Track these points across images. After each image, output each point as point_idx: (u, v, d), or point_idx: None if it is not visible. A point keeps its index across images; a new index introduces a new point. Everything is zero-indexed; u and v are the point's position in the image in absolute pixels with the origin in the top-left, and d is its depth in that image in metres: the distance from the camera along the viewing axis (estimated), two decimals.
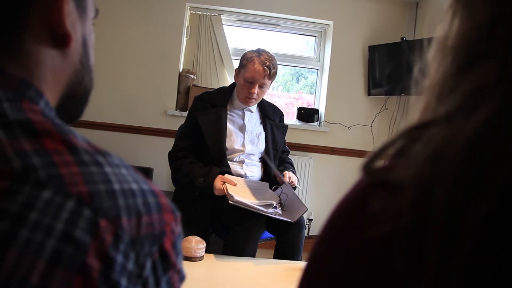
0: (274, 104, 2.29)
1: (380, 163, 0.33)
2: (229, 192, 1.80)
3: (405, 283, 0.28)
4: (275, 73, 2.03)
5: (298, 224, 1.93)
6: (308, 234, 3.37)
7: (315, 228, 3.41)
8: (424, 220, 0.27)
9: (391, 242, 0.29)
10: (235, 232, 1.86)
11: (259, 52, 2.01)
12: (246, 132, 2.08)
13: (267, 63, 1.97)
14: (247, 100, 2.03)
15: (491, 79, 0.29)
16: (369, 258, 0.30)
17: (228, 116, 2.07)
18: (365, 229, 0.30)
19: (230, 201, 1.76)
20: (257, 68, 1.96)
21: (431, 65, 0.36)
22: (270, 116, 2.16)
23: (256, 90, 1.99)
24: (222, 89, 2.20)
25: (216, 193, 1.87)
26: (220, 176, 1.90)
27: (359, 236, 0.31)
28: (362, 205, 0.32)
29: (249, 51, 2.05)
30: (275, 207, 1.87)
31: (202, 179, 1.89)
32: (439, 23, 0.36)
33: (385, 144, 0.33)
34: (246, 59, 2.01)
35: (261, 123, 2.15)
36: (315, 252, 0.35)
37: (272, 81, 2.05)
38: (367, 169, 0.33)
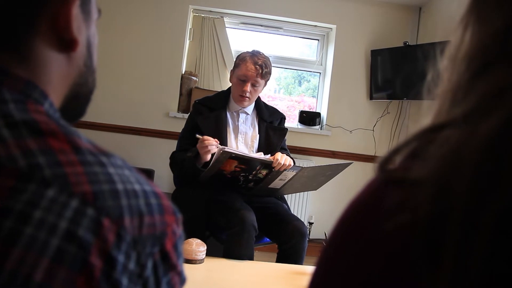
0: (276, 107, 2.30)
1: (394, 163, 0.34)
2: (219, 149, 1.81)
3: (422, 277, 0.28)
4: (268, 73, 2.06)
5: (301, 233, 1.94)
6: (308, 237, 3.36)
7: (315, 232, 3.40)
8: (443, 214, 0.28)
9: (408, 236, 0.29)
10: (229, 237, 1.87)
11: (253, 53, 2.06)
12: (239, 134, 2.11)
13: (260, 62, 2.01)
14: (240, 99, 2.06)
15: (507, 81, 0.29)
16: (386, 251, 0.30)
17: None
18: (382, 223, 0.30)
19: (222, 150, 1.77)
20: (250, 66, 2.01)
21: (444, 75, 0.36)
22: (266, 118, 2.17)
23: (248, 88, 2.02)
24: (221, 93, 2.24)
25: (204, 151, 1.86)
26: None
27: (375, 230, 0.31)
28: (378, 201, 0.32)
29: (244, 52, 2.10)
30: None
31: (191, 154, 1.94)
32: (451, 34, 0.37)
33: (400, 144, 0.34)
34: (239, 59, 2.06)
35: (256, 125, 2.16)
36: (329, 247, 0.35)
37: (265, 81, 2.09)
38: (382, 168, 0.33)
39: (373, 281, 0.31)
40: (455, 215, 0.27)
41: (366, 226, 0.33)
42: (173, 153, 2.10)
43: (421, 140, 0.33)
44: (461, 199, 0.27)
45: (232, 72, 2.11)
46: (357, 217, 0.34)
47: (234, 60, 2.12)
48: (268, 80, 2.10)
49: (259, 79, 2.03)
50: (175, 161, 2.05)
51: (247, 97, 2.05)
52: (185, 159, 1.95)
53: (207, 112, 2.09)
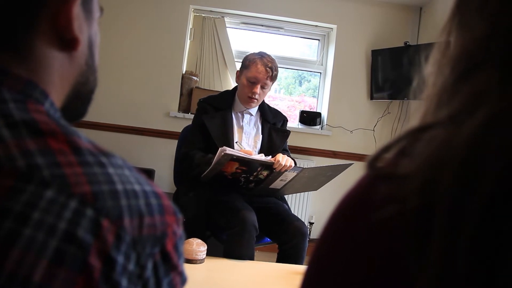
0: (278, 109, 2.31)
1: (382, 161, 0.35)
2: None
3: (411, 265, 0.29)
4: (276, 75, 2.08)
5: (301, 233, 1.94)
6: (309, 237, 3.36)
7: (316, 232, 3.40)
8: (429, 207, 0.29)
9: (398, 225, 0.30)
10: (229, 237, 1.87)
11: (261, 55, 2.07)
12: (243, 134, 2.11)
13: (269, 65, 2.03)
14: (249, 100, 2.06)
15: (490, 83, 0.31)
16: (376, 241, 0.31)
17: None
18: (372, 213, 0.31)
19: (223, 153, 1.77)
20: (260, 68, 2.01)
21: (429, 80, 0.38)
22: (269, 120, 2.17)
23: (258, 90, 2.03)
24: (226, 92, 2.24)
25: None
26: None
27: (366, 221, 0.32)
28: (368, 194, 0.34)
29: (251, 53, 2.11)
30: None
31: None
32: (436, 40, 0.39)
33: (389, 143, 0.35)
34: (248, 61, 2.06)
35: (259, 126, 2.17)
36: (320, 244, 0.36)
37: (273, 83, 2.10)
38: (372, 165, 0.35)
39: (365, 277, 0.31)
40: (441, 208, 0.29)
41: (355, 221, 0.34)
42: (188, 152, 2.03)
43: (409, 139, 0.34)
44: (446, 192, 0.29)
45: (240, 73, 2.10)
46: (346, 212, 0.35)
47: (242, 61, 2.12)
48: (275, 81, 2.12)
49: (268, 81, 2.04)
50: (194, 162, 1.97)
51: (255, 99, 2.05)
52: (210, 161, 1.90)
53: (213, 111, 2.09)
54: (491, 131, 0.29)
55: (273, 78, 2.05)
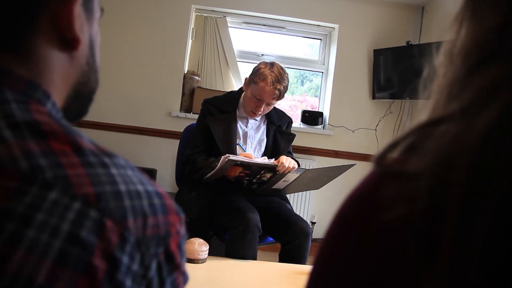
0: (283, 110, 2.27)
1: (391, 157, 0.34)
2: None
3: (420, 269, 0.29)
4: (285, 92, 2.01)
5: (305, 233, 1.93)
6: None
7: (318, 231, 3.40)
8: (440, 205, 0.28)
9: (406, 228, 0.29)
10: (231, 237, 1.87)
11: (272, 70, 1.95)
12: (248, 138, 2.10)
13: (278, 86, 1.93)
14: (252, 114, 2.04)
15: (503, 76, 0.30)
16: (383, 245, 0.31)
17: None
18: (381, 213, 0.31)
19: (227, 159, 1.77)
20: (268, 89, 1.92)
21: (439, 71, 0.37)
22: (275, 122, 2.15)
23: (262, 108, 1.99)
24: (232, 94, 2.18)
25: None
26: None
27: (374, 220, 0.31)
28: (375, 193, 0.33)
29: (262, 64, 2.00)
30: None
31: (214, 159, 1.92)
32: (447, 30, 0.37)
33: (397, 139, 0.34)
34: (258, 76, 1.95)
35: (264, 129, 2.15)
36: (326, 242, 0.35)
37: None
38: (380, 161, 0.34)
39: (371, 278, 0.31)
40: (453, 206, 0.28)
41: (363, 219, 0.33)
42: (192, 155, 2.03)
43: (418, 134, 0.33)
44: (458, 190, 0.28)
45: (248, 82, 2.02)
46: (354, 210, 0.34)
47: (252, 71, 2.02)
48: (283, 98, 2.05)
49: (274, 101, 2.00)
50: (197, 166, 1.98)
51: (259, 114, 2.03)
52: (213, 166, 1.90)
53: (217, 113, 2.06)
54: (505, 128, 0.28)
55: (280, 97, 1.98)
